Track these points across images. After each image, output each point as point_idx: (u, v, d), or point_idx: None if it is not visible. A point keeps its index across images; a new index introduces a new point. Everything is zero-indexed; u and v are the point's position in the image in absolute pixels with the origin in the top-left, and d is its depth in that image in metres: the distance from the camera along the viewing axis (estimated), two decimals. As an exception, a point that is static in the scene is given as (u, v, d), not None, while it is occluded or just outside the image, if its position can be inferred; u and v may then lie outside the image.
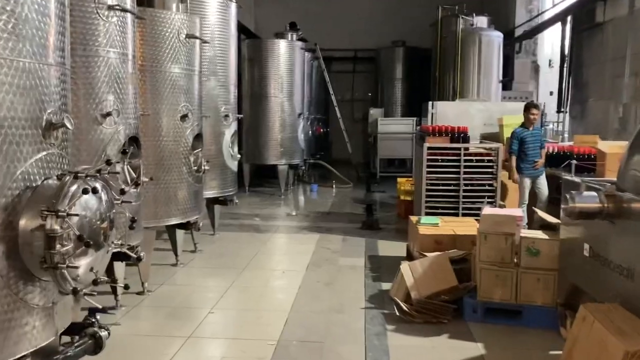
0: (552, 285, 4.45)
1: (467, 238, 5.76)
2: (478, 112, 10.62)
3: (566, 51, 11.26)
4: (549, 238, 4.54)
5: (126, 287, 3.61)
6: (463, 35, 14.57)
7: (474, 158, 7.45)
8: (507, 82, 15.51)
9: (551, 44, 15.66)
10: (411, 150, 14.11)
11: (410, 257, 6.52)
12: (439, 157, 7.45)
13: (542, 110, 10.76)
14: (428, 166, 7.43)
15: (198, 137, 5.80)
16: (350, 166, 16.17)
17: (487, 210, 5.03)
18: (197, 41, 5.69)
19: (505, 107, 10.81)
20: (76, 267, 2.52)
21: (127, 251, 3.39)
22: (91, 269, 2.70)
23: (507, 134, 9.77)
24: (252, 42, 12.26)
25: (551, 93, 15.42)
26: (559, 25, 13.21)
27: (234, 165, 7.26)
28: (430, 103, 10.68)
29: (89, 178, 2.63)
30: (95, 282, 2.61)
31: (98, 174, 2.71)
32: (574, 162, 4.48)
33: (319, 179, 14.72)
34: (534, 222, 5.62)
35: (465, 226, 6.26)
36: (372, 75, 20.28)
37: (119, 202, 2.97)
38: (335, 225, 8.72)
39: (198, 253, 6.81)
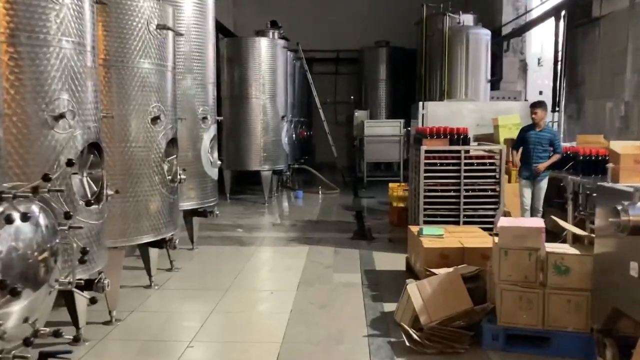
0: (585, 308, 3.86)
1: (477, 251, 5.17)
2: (470, 112, 10.11)
3: (560, 48, 10.79)
4: (580, 253, 3.94)
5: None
6: (450, 33, 14.06)
7: (475, 161, 6.88)
8: (494, 82, 15.05)
9: (540, 42, 15.24)
10: (399, 153, 13.56)
11: (410, 271, 5.92)
12: (437, 161, 6.87)
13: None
14: (426, 171, 6.83)
15: (172, 142, 5.12)
16: (335, 170, 15.57)
17: (503, 221, 4.43)
18: (170, 33, 5.01)
19: (497, 107, 10.31)
20: (-1, 322, 1.84)
21: (77, 290, 2.69)
22: (25, 320, 2.01)
23: (503, 134, 9.28)
24: (231, 40, 11.58)
25: (540, 92, 15.00)
26: (548, 22, 12.77)
27: (213, 173, 6.57)
28: (420, 104, 10.13)
29: (18, 200, 1.95)
30: (27, 343, 1.92)
31: (33, 194, 2.02)
32: (610, 165, 3.85)
33: (304, 185, 14.07)
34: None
35: (473, 236, 5.67)
36: (355, 77, 19.75)
37: (65, 227, 2.29)
38: (325, 236, 8.07)
39: (175, 272, 6.11)
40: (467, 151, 6.88)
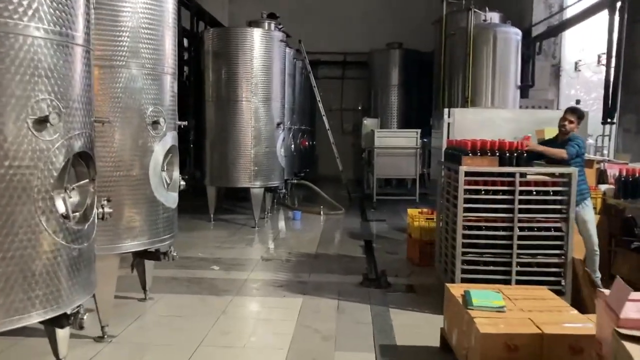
0: None
1: (563, 341, 3.26)
2: (505, 122, 8.26)
3: (614, 47, 8.91)
4: None
5: None
6: (475, 32, 12.21)
7: (534, 189, 4.97)
8: (523, 89, 13.15)
9: (578, 43, 13.37)
10: (414, 169, 11.66)
11: (448, 349, 4.03)
12: (481, 187, 4.96)
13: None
14: (466, 200, 4.93)
15: (83, 158, 3.24)
16: (339, 185, 13.71)
17: (623, 294, 2.52)
18: (83, -15, 3.15)
19: (537, 116, 8.44)
20: None
21: None
22: None
23: (550, 150, 7.45)
24: (217, 31, 9.73)
25: (578, 102, 13.11)
26: (593, 19, 10.95)
27: (169, 199, 4.68)
28: (446, 110, 8.26)
29: None
30: None
31: None
32: None
33: (304, 202, 12.19)
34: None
35: (546, 308, 3.74)
36: (364, 82, 17.93)
37: None
38: (325, 279, 6.18)
39: (107, 343, 4.22)
40: (523, 174, 4.97)
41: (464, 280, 4.81)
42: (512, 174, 4.91)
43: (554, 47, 13.99)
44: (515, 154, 5.04)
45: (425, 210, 7.28)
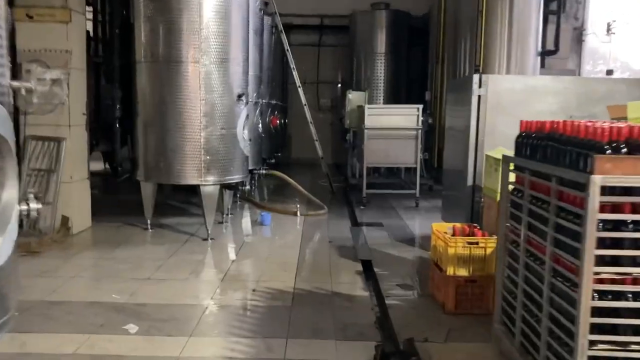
0: None
1: None
2: (554, 94, 5.91)
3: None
4: None
5: None
6: (488, -16, 9.78)
7: None
8: (544, 56, 10.77)
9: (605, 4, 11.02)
10: (414, 155, 9.18)
11: None
12: (629, 217, 2.50)
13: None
14: (601, 243, 2.47)
15: None
16: (317, 171, 11.25)
17: None
18: None
19: (592, 87, 6.06)
20: None
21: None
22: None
23: None
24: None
25: (609, 72, 10.82)
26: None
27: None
28: (476, 77, 5.86)
29: None
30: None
31: None
32: None
33: (274, 197, 9.64)
34: None
35: None
36: (344, 51, 15.38)
37: None
38: (312, 356, 3.68)
39: None
40: None
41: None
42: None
43: (576, 6, 11.63)
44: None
45: (460, 226, 4.79)
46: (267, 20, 10.47)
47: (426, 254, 5.81)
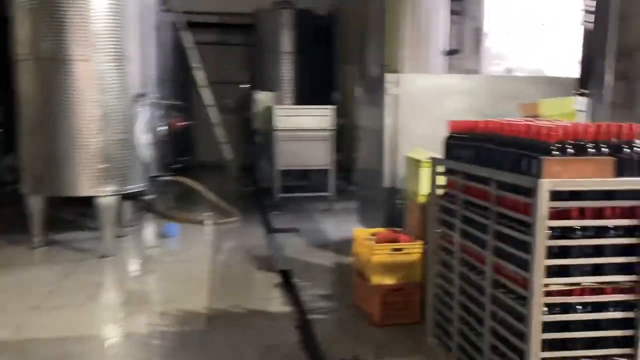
0: None
1: None
2: (466, 93, 5.90)
3: (589, -5, 6.80)
4: None
5: None
6: (394, -17, 9.68)
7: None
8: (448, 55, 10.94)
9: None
10: (327, 156, 8.95)
11: None
12: (578, 223, 2.33)
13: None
14: (551, 253, 2.29)
15: None
16: (225, 174, 10.76)
17: None
18: None
19: (501, 86, 6.13)
20: None
21: None
22: None
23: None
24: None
25: (509, 71, 11.19)
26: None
27: None
28: (390, 77, 5.71)
29: None
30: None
31: None
32: None
33: (181, 204, 9.00)
34: None
35: None
36: (248, 50, 14.92)
37: None
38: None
39: None
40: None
41: None
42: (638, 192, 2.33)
43: (475, 7, 11.94)
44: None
45: (382, 231, 4.56)
46: (167, 17, 9.81)
47: (346, 260, 5.56)
